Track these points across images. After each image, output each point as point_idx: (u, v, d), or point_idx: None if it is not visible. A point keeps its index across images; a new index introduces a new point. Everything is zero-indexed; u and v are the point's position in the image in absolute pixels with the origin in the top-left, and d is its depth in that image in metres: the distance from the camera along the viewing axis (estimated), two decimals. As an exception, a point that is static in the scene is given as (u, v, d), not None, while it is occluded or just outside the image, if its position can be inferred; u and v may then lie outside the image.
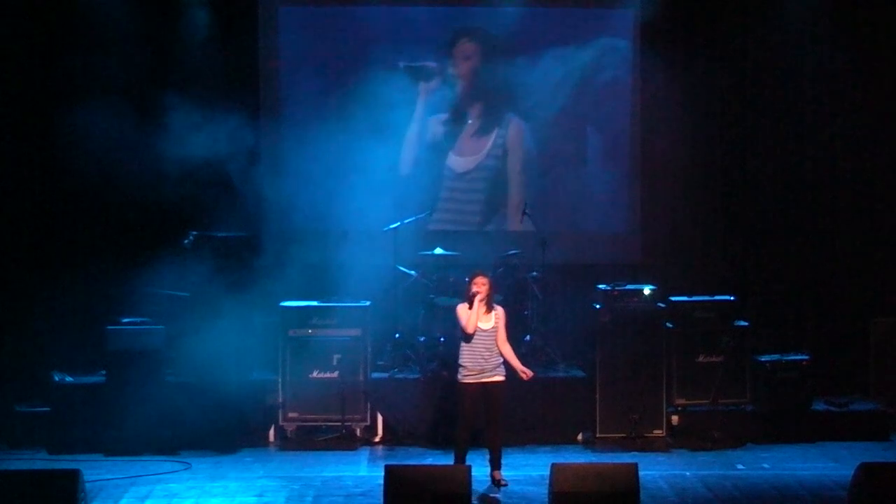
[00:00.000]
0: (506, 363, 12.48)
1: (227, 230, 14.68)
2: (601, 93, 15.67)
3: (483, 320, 12.37)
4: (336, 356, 14.17)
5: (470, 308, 12.36)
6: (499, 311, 12.48)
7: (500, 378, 12.42)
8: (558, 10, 15.77)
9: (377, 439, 14.32)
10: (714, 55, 15.72)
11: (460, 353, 12.44)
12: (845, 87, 15.71)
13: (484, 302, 12.34)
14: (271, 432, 14.32)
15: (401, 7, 15.76)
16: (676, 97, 15.63)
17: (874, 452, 13.64)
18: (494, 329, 12.39)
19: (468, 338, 12.37)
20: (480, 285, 12.37)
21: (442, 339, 14.35)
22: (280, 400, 14.21)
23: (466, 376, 12.39)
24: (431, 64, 15.71)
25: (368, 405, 14.23)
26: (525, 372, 12.46)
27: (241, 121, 14.77)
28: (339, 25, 15.77)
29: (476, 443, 12.56)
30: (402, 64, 15.59)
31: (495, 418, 12.43)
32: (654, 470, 12.96)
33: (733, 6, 15.72)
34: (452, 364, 12.79)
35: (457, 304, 12.61)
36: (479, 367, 12.35)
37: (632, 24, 15.74)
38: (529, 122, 15.77)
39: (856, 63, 15.65)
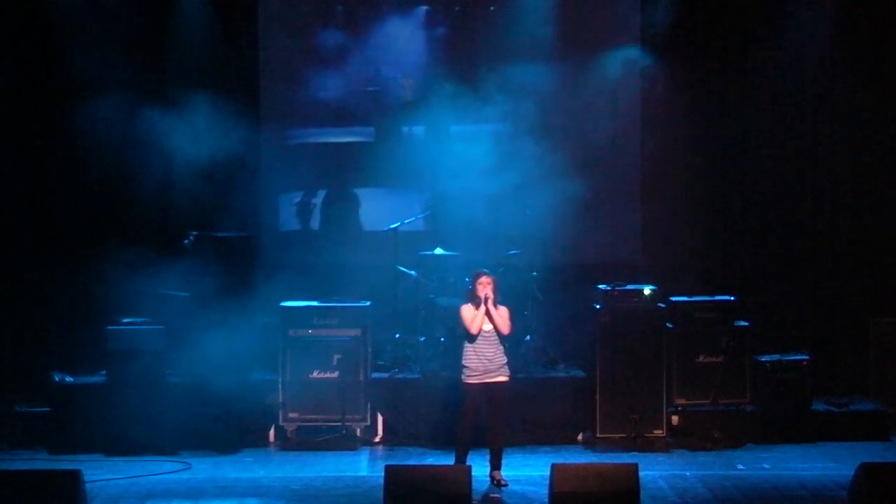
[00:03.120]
0: (509, 364, 12.48)
1: (227, 230, 14.68)
2: (602, 94, 15.66)
3: (486, 321, 12.37)
4: (336, 356, 14.16)
5: (477, 309, 12.35)
6: (502, 310, 12.46)
7: (504, 378, 12.43)
8: (562, 14, 15.74)
9: (377, 439, 14.32)
10: (714, 57, 15.72)
11: (464, 353, 12.41)
12: (845, 88, 15.70)
13: (493, 303, 12.34)
14: (271, 432, 14.32)
15: (405, 7, 15.75)
16: (677, 98, 15.62)
17: (874, 452, 13.63)
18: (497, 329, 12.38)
19: (472, 339, 12.36)
20: (486, 285, 12.36)
21: (442, 339, 14.35)
22: (280, 400, 14.20)
23: (470, 377, 12.37)
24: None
25: (368, 405, 14.23)
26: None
27: (241, 120, 14.77)
28: (342, 25, 15.74)
29: (477, 443, 12.56)
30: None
31: (497, 418, 12.43)
32: (654, 470, 12.96)
33: (734, 9, 15.71)
34: (452, 364, 12.79)
35: (457, 305, 12.60)
36: (483, 368, 12.34)
37: (635, 28, 15.73)
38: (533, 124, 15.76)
39: (856, 64, 15.65)
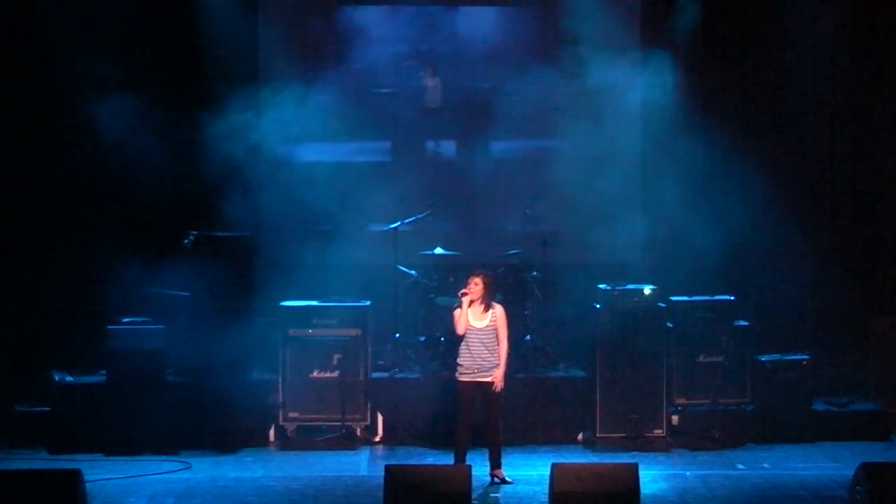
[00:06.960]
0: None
1: (227, 230, 14.67)
2: (602, 94, 15.65)
3: (477, 319, 12.40)
4: (336, 356, 14.17)
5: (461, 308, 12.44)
6: (497, 309, 12.50)
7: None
8: (564, 15, 15.73)
9: (377, 439, 14.32)
10: (714, 56, 15.73)
11: (459, 350, 12.49)
12: (846, 88, 15.71)
13: (476, 303, 12.39)
14: (271, 432, 14.32)
15: (405, 7, 15.72)
16: (677, 97, 15.62)
17: (874, 452, 13.64)
18: (491, 328, 12.41)
19: (461, 337, 12.42)
20: (473, 285, 12.43)
21: (442, 339, 14.35)
22: (280, 400, 14.20)
23: (463, 374, 12.45)
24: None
25: (368, 405, 14.23)
26: (496, 381, 12.40)
27: (241, 119, 14.77)
28: (342, 22, 15.71)
29: (476, 443, 12.57)
30: None
31: (493, 418, 12.47)
32: (654, 470, 12.97)
33: (736, 12, 15.72)
34: (452, 364, 12.80)
35: (456, 304, 12.63)
36: (476, 366, 12.39)
37: (635, 30, 15.73)
38: (536, 125, 15.73)
39: (857, 64, 15.66)
